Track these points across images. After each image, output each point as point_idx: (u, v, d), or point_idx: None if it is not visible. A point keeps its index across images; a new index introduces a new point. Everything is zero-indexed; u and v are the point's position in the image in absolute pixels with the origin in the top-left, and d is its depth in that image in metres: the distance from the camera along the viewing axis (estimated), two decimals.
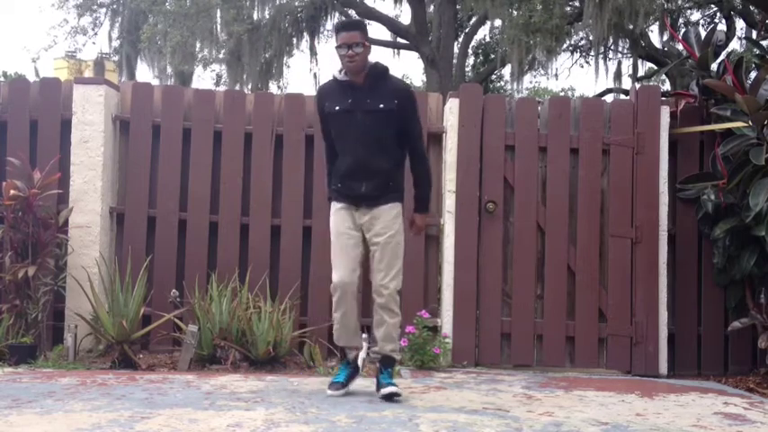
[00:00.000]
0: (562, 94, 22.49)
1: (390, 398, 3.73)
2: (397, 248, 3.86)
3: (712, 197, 5.22)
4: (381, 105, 3.76)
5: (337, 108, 3.82)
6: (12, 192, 4.80)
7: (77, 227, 5.08)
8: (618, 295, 5.25)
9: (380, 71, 3.83)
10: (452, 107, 5.30)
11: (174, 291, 5.10)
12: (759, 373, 5.17)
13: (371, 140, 3.78)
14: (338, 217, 3.89)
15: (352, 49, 3.71)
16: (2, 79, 20.52)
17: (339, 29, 3.84)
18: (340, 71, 3.86)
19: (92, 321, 4.78)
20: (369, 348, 4.90)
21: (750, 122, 4.98)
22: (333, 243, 3.89)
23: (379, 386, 3.84)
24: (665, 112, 5.35)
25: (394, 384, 3.80)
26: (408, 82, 24.78)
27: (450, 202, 5.24)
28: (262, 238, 5.30)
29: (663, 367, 5.18)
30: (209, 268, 5.20)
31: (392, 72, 3.89)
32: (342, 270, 3.82)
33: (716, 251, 5.30)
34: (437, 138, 5.43)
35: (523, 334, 5.21)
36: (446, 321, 5.18)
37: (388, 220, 3.83)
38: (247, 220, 5.33)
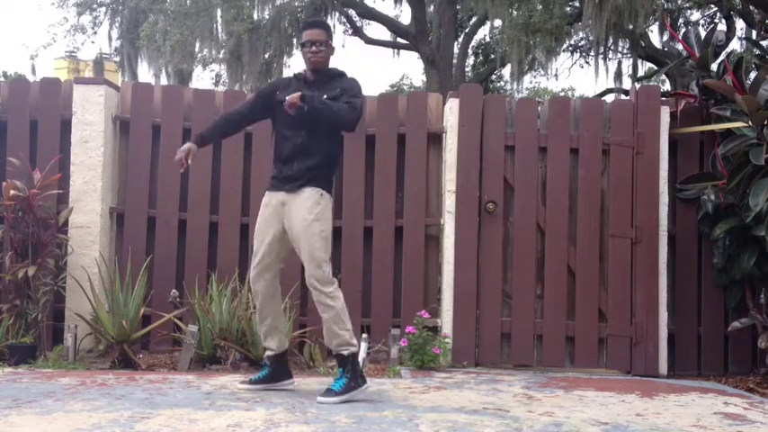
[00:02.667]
0: (562, 94, 22.49)
1: (320, 403, 3.62)
2: (313, 240, 3.77)
3: (712, 197, 5.22)
4: (325, 96, 3.77)
5: (286, 95, 3.82)
6: (12, 192, 4.80)
7: (77, 227, 5.08)
8: (618, 295, 5.24)
9: (336, 74, 3.92)
10: (452, 107, 5.30)
11: (174, 291, 5.10)
12: (759, 374, 5.17)
13: (310, 127, 3.84)
14: (260, 216, 3.96)
15: (315, 46, 3.82)
16: (2, 79, 20.52)
17: (305, 27, 3.96)
18: (303, 70, 3.96)
19: (92, 321, 4.78)
20: (368, 348, 4.91)
21: (750, 122, 4.98)
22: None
23: None
24: (665, 112, 5.35)
25: (333, 392, 3.67)
26: (408, 82, 24.83)
27: (450, 202, 5.24)
28: None
29: (663, 367, 5.18)
30: (209, 268, 5.20)
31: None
32: None
33: (716, 251, 5.30)
34: (437, 138, 5.43)
35: (523, 334, 5.21)
36: (446, 321, 5.18)
37: (305, 208, 3.80)
38: (247, 220, 5.33)
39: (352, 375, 3.75)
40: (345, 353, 3.77)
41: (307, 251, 3.73)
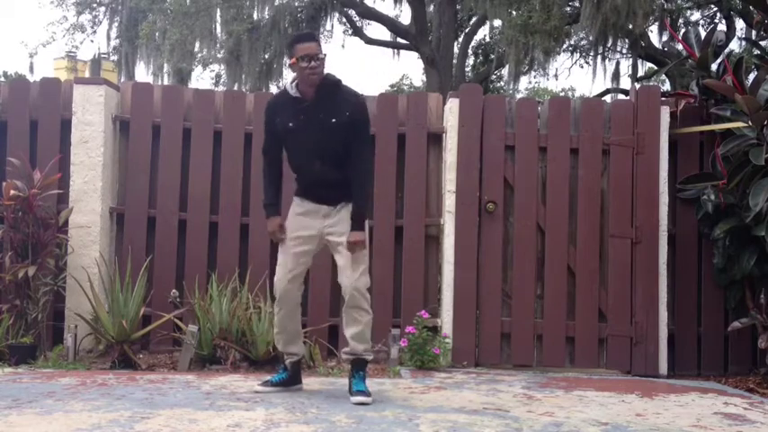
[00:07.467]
0: (562, 94, 22.50)
1: (361, 404, 3.64)
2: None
3: (712, 197, 5.22)
4: (334, 120, 3.73)
5: (291, 125, 3.78)
6: (12, 192, 4.80)
7: (77, 227, 5.08)
8: (618, 295, 5.24)
9: (332, 84, 3.79)
10: (452, 107, 5.30)
11: (173, 291, 5.10)
12: (759, 374, 5.17)
13: (327, 155, 3.77)
14: (295, 222, 3.88)
15: (314, 61, 3.68)
16: (2, 79, 20.52)
17: (298, 40, 3.79)
18: (292, 83, 3.81)
19: (92, 321, 4.78)
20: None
21: (750, 122, 4.98)
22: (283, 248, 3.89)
23: (350, 391, 3.77)
24: (665, 112, 5.35)
25: (365, 392, 3.71)
26: (408, 82, 24.81)
27: (450, 202, 5.24)
28: (261, 238, 5.28)
29: (663, 367, 5.18)
30: (209, 268, 5.20)
31: (344, 83, 3.86)
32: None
33: (716, 251, 5.30)
34: (437, 138, 5.43)
35: (523, 334, 5.21)
36: (446, 321, 5.18)
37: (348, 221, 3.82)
38: (247, 220, 5.33)
39: (365, 379, 3.84)
40: (369, 358, 3.90)
41: (355, 260, 3.76)
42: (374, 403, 3.65)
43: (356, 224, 3.79)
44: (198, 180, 5.33)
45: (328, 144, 3.76)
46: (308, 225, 3.85)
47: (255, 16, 13.73)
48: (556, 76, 27.14)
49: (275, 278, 3.90)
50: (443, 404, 3.74)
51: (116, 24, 14.99)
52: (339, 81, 3.82)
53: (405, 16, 16.37)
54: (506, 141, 5.32)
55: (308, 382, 4.26)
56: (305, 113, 3.76)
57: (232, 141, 5.36)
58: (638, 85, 5.75)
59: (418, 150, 5.38)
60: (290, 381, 3.99)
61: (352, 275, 3.75)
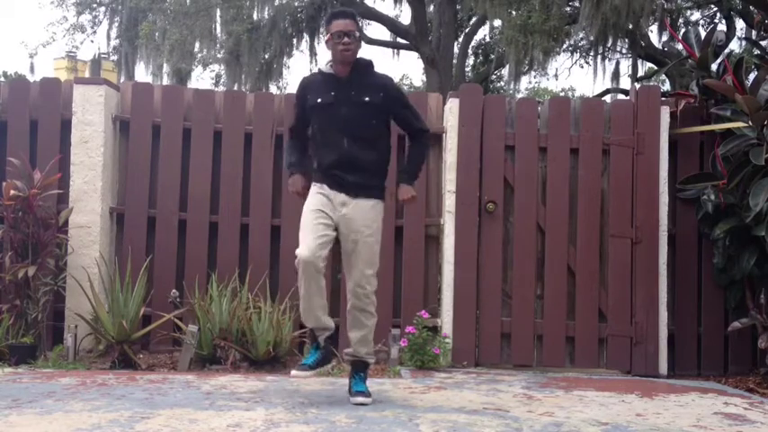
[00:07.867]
0: (562, 94, 22.49)
1: (360, 404, 3.63)
2: (375, 246, 3.72)
3: (712, 197, 5.22)
4: (367, 99, 3.68)
5: (319, 101, 3.71)
6: (12, 192, 4.80)
7: (77, 227, 5.08)
8: (618, 295, 5.25)
9: (364, 65, 3.76)
10: (452, 107, 5.30)
11: (173, 291, 5.10)
12: (759, 374, 5.17)
13: (356, 133, 3.68)
14: (316, 199, 3.71)
15: (349, 37, 3.64)
16: (2, 79, 20.51)
17: (335, 16, 3.74)
18: (327, 64, 3.78)
19: (92, 321, 4.78)
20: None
21: (750, 122, 4.98)
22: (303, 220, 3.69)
23: (350, 391, 3.75)
24: (665, 112, 5.35)
25: (365, 393, 3.69)
26: (408, 82, 24.81)
27: (450, 202, 5.24)
28: (262, 238, 5.30)
29: (663, 367, 5.19)
30: (209, 268, 5.20)
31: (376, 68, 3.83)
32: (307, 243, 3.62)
33: (716, 251, 5.30)
34: (437, 138, 5.42)
35: (523, 334, 5.21)
36: (446, 321, 5.18)
37: (369, 216, 3.71)
38: (247, 220, 5.33)
39: (366, 380, 3.83)
40: (371, 361, 3.88)
41: (367, 258, 3.67)
42: (374, 403, 3.65)
43: (409, 179, 3.83)
44: (198, 180, 5.33)
45: (359, 122, 3.68)
46: (328, 205, 3.68)
47: (255, 16, 13.72)
48: (556, 76, 27.20)
49: (298, 251, 3.59)
50: (443, 404, 3.74)
51: (116, 24, 14.97)
52: (371, 62, 3.79)
53: (405, 16, 16.39)
54: (506, 141, 5.32)
55: (308, 382, 4.26)
56: (336, 90, 3.70)
57: (232, 141, 5.36)
58: (638, 85, 5.75)
59: None
60: (325, 359, 3.78)
61: (364, 277, 3.67)
